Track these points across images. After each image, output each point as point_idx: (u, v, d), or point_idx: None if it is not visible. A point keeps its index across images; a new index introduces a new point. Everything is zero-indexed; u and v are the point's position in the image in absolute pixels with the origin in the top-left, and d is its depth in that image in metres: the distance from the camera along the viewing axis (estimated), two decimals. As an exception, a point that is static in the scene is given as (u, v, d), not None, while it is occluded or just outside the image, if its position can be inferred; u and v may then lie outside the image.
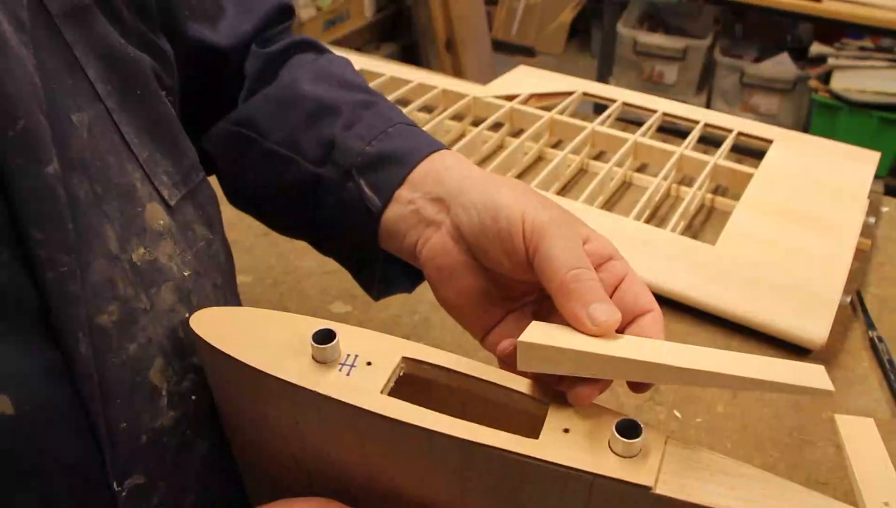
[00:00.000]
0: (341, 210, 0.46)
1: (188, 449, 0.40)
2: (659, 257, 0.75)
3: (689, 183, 0.91)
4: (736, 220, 0.80)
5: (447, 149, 0.46)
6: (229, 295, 0.46)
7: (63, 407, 0.34)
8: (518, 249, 0.38)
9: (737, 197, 0.85)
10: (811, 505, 0.31)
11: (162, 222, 0.39)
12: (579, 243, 0.38)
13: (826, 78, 2.20)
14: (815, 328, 0.67)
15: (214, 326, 0.38)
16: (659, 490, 0.31)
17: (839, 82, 2.16)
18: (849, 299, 0.73)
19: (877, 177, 0.87)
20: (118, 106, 0.38)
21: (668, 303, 0.74)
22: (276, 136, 0.49)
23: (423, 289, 0.77)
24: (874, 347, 0.69)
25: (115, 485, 0.36)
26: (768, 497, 0.31)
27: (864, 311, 0.73)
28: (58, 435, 0.34)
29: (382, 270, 0.50)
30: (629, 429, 0.32)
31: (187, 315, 0.40)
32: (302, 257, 0.81)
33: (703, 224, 0.87)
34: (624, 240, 0.75)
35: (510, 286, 0.42)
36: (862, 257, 0.80)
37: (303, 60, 0.53)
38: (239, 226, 0.86)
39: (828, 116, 2.19)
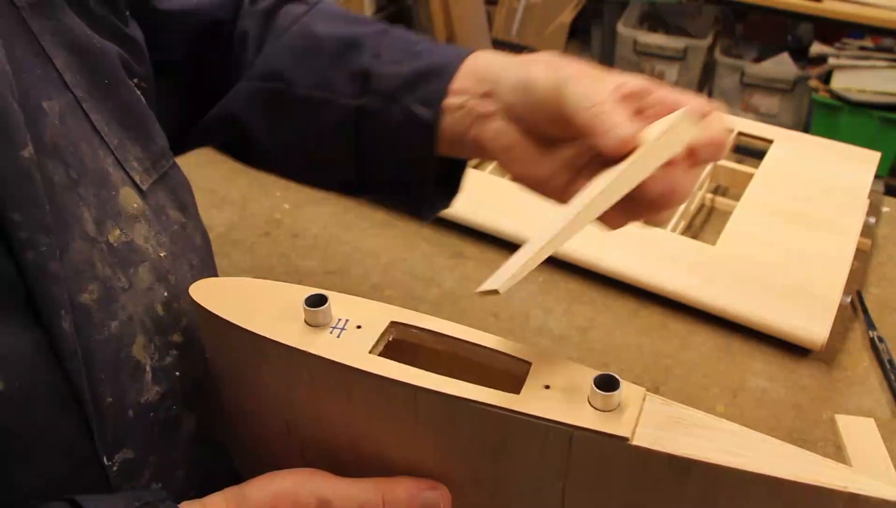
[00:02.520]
0: (390, 134, 0.48)
1: (176, 424, 0.41)
2: (659, 257, 0.75)
3: (690, 183, 0.91)
4: (736, 220, 0.80)
5: (475, 52, 0.48)
6: (207, 275, 0.46)
7: (51, 384, 0.34)
8: (554, 111, 0.41)
9: (737, 197, 0.85)
10: (787, 456, 0.31)
11: (136, 205, 0.40)
12: (600, 85, 0.40)
13: (826, 78, 2.20)
14: (815, 328, 0.67)
15: (212, 294, 0.39)
16: (636, 442, 0.32)
17: (839, 82, 2.15)
18: (849, 299, 0.73)
19: (877, 177, 0.87)
20: (86, 95, 0.39)
21: (669, 303, 0.74)
22: (305, 81, 0.50)
23: (424, 289, 0.78)
24: (874, 347, 0.69)
25: (104, 459, 0.37)
26: (745, 448, 0.32)
27: (865, 311, 0.73)
28: (48, 412, 0.34)
29: (425, 191, 0.52)
30: (607, 383, 0.33)
31: (165, 294, 0.41)
32: (303, 257, 0.81)
33: (703, 224, 0.87)
34: (624, 240, 0.75)
35: (574, 150, 0.44)
36: (862, 257, 0.80)
37: (298, 10, 0.55)
38: (240, 226, 0.86)
39: (828, 116, 2.19)
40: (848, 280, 0.72)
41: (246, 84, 0.52)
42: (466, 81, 0.47)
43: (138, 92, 0.44)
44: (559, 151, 0.44)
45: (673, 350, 0.70)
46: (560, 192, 0.45)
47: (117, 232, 0.39)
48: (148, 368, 0.39)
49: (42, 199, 0.34)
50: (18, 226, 0.33)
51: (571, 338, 0.72)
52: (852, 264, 0.75)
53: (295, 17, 0.53)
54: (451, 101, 0.47)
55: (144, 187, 0.41)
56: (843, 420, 0.62)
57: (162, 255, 0.41)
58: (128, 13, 0.45)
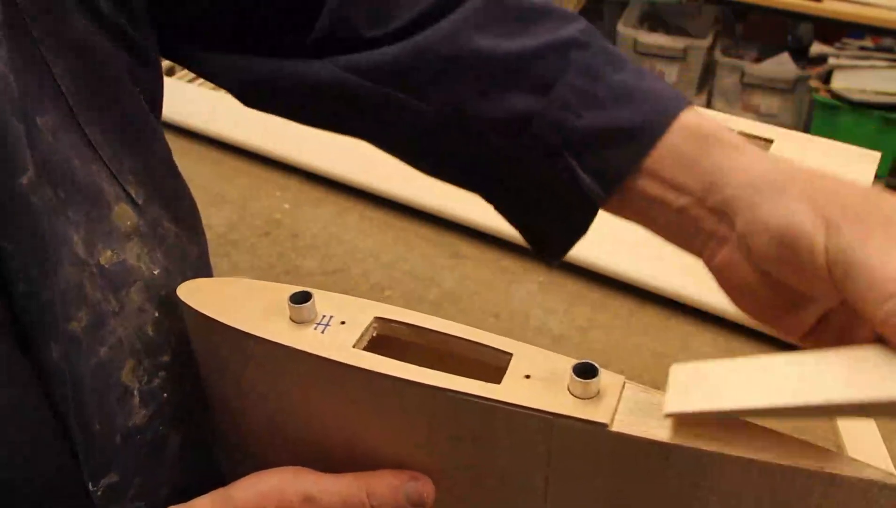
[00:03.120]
0: (544, 192, 0.40)
1: (161, 445, 0.40)
2: (659, 257, 0.75)
3: (690, 183, 0.91)
4: (736, 220, 0.80)
5: (687, 106, 0.37)
6: None
7: (37, 414, 0.34)
8: (824, 284, 0.32)
9: (737, 197, 0.85)
10: (766, 440, 0.31)
11: (130, 222, 0.39)
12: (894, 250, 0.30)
13: (827, 78, 2.20)
14: (815, 327, 0.67)
15: (199, 294, 0.40)
16: (616, 428, 0.32)
17: (840, 82, 2.15)
18: (849, 299, 0.73)
19: (877, 177, 0.87)
20: (84, 104, 0.37)
21: (668, 303, 0.74)
22: (439, 99, 0.40)
23: (424, 289, 0.78)
24: (874, 347, 0.69)
25: (90, 486, 0.36)
26: (724, 431, 0.32)
27: (865, 311, 0.73)
28: (32, 441, 0.34)
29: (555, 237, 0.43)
30: (586, 371, 0.33)
31: (156, 314, 0.40)
32: (302, 256, 0.81)
33: (704, 224, 0.87)
34: (624, 240, 0.75)
35: (832, 304, 0.35)
36: (862, 257, 0.80)
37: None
38: (239, 226, 0.86)
39: (828, 116, 2.19)
40: (848, 280, 0.72)
41: (356, 80, 0.41)
42: (678, 169, 0.36)
43: (143, 101, 0.42)
44: (809, 305, 0.35)
45: (673, 350, 0.70)
46: (796, 332, 0.36)
47: (108, 253, 0.37)
48: (136, 391, 0.38)
49: (37, 228, 0.33)
50: (10, 256, 0.32)
51: (571, 338, 0.72)
52: (852, 264, 0.75)
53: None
54: (641, 183, 0.37)
55: (140, 201, 0.40)
56: (843, 421, 0.62)
57: (155, 273, 0.40)
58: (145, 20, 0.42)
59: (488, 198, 0.43)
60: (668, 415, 0.32)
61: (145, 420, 0.39)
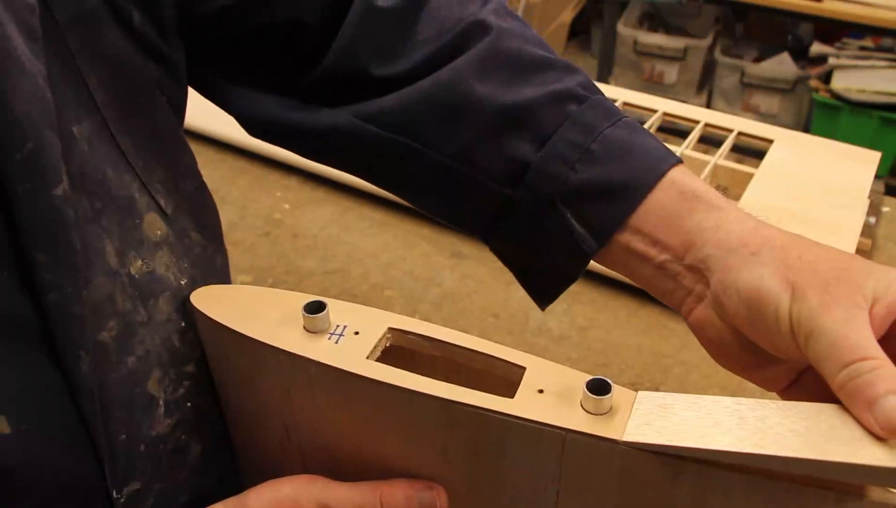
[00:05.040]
0: (538, 238, 0.41)
1: (182, 453, 0.40)
2: (659, 257, 0.75)
3: (690, 183, 0.91)
4: (736, 220, 0.80)
5: (675, 164, 0.38)
6: None
7: (62, 424, 0.34)
8: (789, 346, 0.33)
9: (737, 197, 0.85)
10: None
11: (160, 231, 0.39)
12: (857, 326, 0.31)
13: (827, 78, 2.20)
14: (815, 327, 0.67)
15: (213, 302, 0.39)
16: (626, 444, 0.32)
17: (840, 82, 2.16)
18: (849, 299, 0.73)
19: (877, 177, 0.87)
20: (117, 115, 0.38)
21: (669, 303, 0.74)
22: (447, 148, 0.41)
23: (424, 289, 0.78)
24: (874, 347, 0.69)
25: (114, 493, 0.36)
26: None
27: (865, 311, 0.73)
28: (57, 451, 0.34)
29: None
30: (599, 388, 0.33)
31: (183, 324, 0.40)
32: (303, 256, 0.81)
33: (704, 224, 0.87)
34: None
35: (802, 365, 0.36)
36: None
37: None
38: (240, 226, 0.86)
39: (828, 116, 2.19)
40: (848, 280, 0.72)
41: (369, 128, 0.42)
42: (661, 226, 0.37)
43: (170, 112, 0.42)
44: (781, 363, 0.36)
45: (673, 350, 0.70)
46: (773, 386, 0.38)
47: (139, 263, 0.37)
48: (161, 401, 0.38)
49: (71, 240, 0.33)
50: (43, 267, 0.32)
51: (571, 338, 0.72)
52: (852, 264, 0.75)
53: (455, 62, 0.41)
54: (628, 237, 0.38)
55: (169, 211, 0.40)
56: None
57: (183, 283, 0.40)
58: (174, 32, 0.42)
59: (485, 240, 0.45)
60: (625, 444, 0.32)
61: (169, 430, 0.39)
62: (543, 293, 0.45)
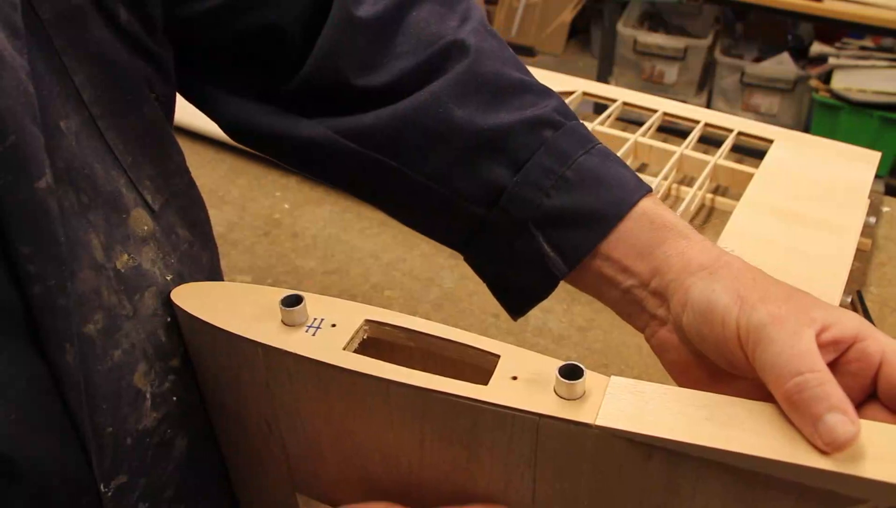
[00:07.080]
0: (511, 257, 0.42)
1: (168, 447, 0.41)
2: (659, 257, 0.75)
3: (690, 183, 0.91)
4: (736, 220, 0.80)
5: (646, 193, 0.40)
6: None
7: (50, 416, 0.34)
8: (738, 358, 0.34)
9: (737, 197, 0.85)
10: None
11: (146, 227, 0.40)
12: (805, 340, 0.32)
13: (827, 78, 2.20)
14: (815, 328, 0.67)
15: (193, 298, 0.40)
16: (598, 424, 0.32)
17: (840, 82, 2.16)
18: (849, 299, 0.73)
19: (877, 177, 0.87)
20: (104, 112, 0.38)
21: (669, 303, 0.73)
22: (425, 168, 0.42)
23: (424, 289, 0.77)
24: (874, 347, 0.69)
25: (101, 486, 0.36)
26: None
27: (865, 311, 0.73)
28: (45, 442, 0.34)
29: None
30: (571, 373, 0.34)
31: (168, 319, 0.40)
32: (302, 256, 0.81)
33: (703, 224, 0.87)
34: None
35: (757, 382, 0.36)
36: (862, 257, 0.80)
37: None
38: (239, 226, 0.86)
39: (828, 116, 2.19)
40: (848, 280, 0.72)
41: (349, 145, 0.43)
42: (630, 254, 0.39)
43: (159, 109, 0.42)
44: (737, 382, 0.37)
45: (673, 350, 0.70)
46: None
47: (125, 257, 0.38)
48: (148, 395, 0.39)
49: (55, 231, 0.33)
50: (28, 259, 0.32)
51: (571, 338, 0.72)
52: (852, 264, 0.75)
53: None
54: (598, 263, 0.40)
55: (156, 207, 0.40)
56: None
57: (169, 278, 0.41)
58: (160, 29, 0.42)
59: (461, 252, 0.46)
60: (598, 427, 0.32)
61: (155, 423, 0.39)
62: (514, 307, 0.46)
